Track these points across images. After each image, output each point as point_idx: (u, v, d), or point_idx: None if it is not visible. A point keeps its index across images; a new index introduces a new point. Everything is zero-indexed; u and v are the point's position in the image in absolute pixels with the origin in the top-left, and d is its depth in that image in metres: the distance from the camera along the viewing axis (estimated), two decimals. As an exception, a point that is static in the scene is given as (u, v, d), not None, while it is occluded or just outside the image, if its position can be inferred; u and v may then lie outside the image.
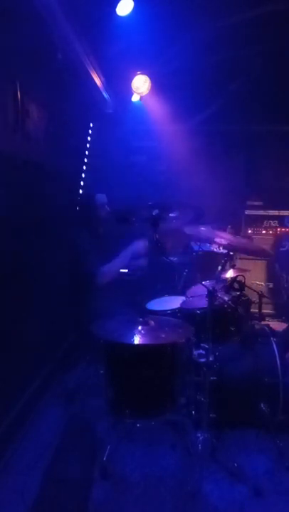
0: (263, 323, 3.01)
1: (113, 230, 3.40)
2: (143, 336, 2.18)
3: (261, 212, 5.05)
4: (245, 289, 2.85)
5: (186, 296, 3.06)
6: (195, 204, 2.71)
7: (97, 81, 3.84)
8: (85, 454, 2.41)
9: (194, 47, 4.08)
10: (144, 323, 2.27)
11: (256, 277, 4.57)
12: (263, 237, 5.00)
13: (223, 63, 4.40)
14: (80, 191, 3.90)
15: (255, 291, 3.02)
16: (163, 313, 2.87)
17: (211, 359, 2.40)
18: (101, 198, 3.12)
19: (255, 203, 5.14)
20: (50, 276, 3.08)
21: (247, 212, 5.08)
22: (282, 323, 3.28)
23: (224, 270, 3.17)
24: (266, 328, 2.80)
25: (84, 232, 3.08)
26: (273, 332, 2.74)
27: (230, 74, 4.76)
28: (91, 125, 4.31)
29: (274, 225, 5.01)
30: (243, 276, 3.00)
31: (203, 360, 2.43)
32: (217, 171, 5.32)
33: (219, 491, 2.13)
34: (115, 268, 2.93)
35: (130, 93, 4.57)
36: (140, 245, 3.01)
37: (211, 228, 3.38)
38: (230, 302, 2.76)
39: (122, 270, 3.17)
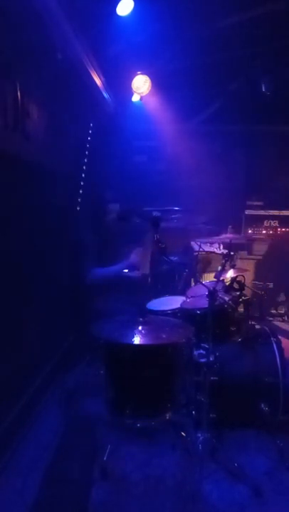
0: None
1: (119, 234, 3.42)
2: (143, 336, 2.18)
3: (261, 212, 5.06)
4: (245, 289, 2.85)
5: (187, 296, 3.06)
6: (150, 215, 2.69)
7: (97, 81, 3.84)
8: (85, 454, 2.40)
9: (194, 47, 4.09)
10: (145, 323, 2.27)
11: (256, 277, 4.59)
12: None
13: (223, 63, 4.40)
14: (81, 191, 3.89)
15: (255, 291, 3.02)
16: (163, 313, 2.87)
17: (211, 359, 2.40)
18: (114, 207, 3.17)
19: (255, 203, 5.14)
20: (51, 276, 3.08)
21: (247, 212, 5.09)
22: (284, 323, 3.29)
23: (224, 270, 3.17)
24: (266, 328, 2.80)
25: (89, 232, 3.12)
26: (274, 332, 2.74)
27: (230, 74, 4.76)
28: (91, 125, 4.31)
29: (274, 225, 5.01)
30: (243, 276, 3.00)
31: (203, 360, 2.43)
32: (217, 171, 5.33)
33: (219, 491, 2.13)
34: (107, 274, 3.04)
35: (130, 93, 4.57)
36: (135, 259, 3.10)
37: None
38: (230, 302, 2.76)
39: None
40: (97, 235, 3.15)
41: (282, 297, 4.77)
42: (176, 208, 4.21)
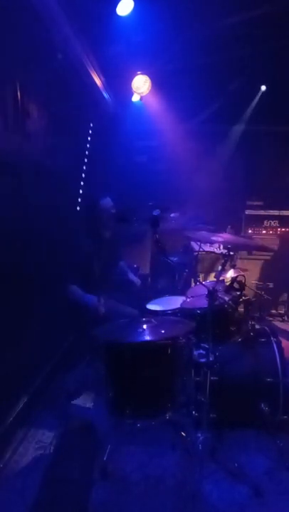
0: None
1: (120, 231, 3.41)
2: (143, 334, 2.18)
3: (261, 212, 5.06)
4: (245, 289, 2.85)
5: (187, 296, 3.06)
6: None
7: (97, 81, 3.84)
8: (85, 454, 2.40)
9: (194, 47, 4.09)
10: (144, 323, 2.27)
11: (256, 277, 4.59)
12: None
13: (223, 63, 4.40)
14: (81, 191, 3.89)
15: (256, 291, 3.02)
16: (163, 313, 2.87)
17: (211, 359, 2.40)
18: (106, 202, 3.12)
19: (255, 203, 5.14)
20: (51, 277, 3.08)
21: (247, 212, 5.09)
22: (285, 323, 3.29)
23: (224, 270, 3.17)
24: (266, 328, 2.79)
25: (87, 241, 3.09)
26: (274, 332, 2.74)
27: (230, 74, 4.76)
28: (91, 125, 4.31)
29: (274, 225, 5.01)
30: (244, 276, 3.00)
31: (203, 360, 2.43)
32: (217, 171, 5.33)
33: (219, 491, 2.13)
34: (76, 298, 2.98)
35: (130, 93, 4.58)
36: (96, 307, 2.93)
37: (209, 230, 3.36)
38: (230, 302, 2.76)
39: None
40: (96, 236, 3.13)
41: (282, 297, 4.77)
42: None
